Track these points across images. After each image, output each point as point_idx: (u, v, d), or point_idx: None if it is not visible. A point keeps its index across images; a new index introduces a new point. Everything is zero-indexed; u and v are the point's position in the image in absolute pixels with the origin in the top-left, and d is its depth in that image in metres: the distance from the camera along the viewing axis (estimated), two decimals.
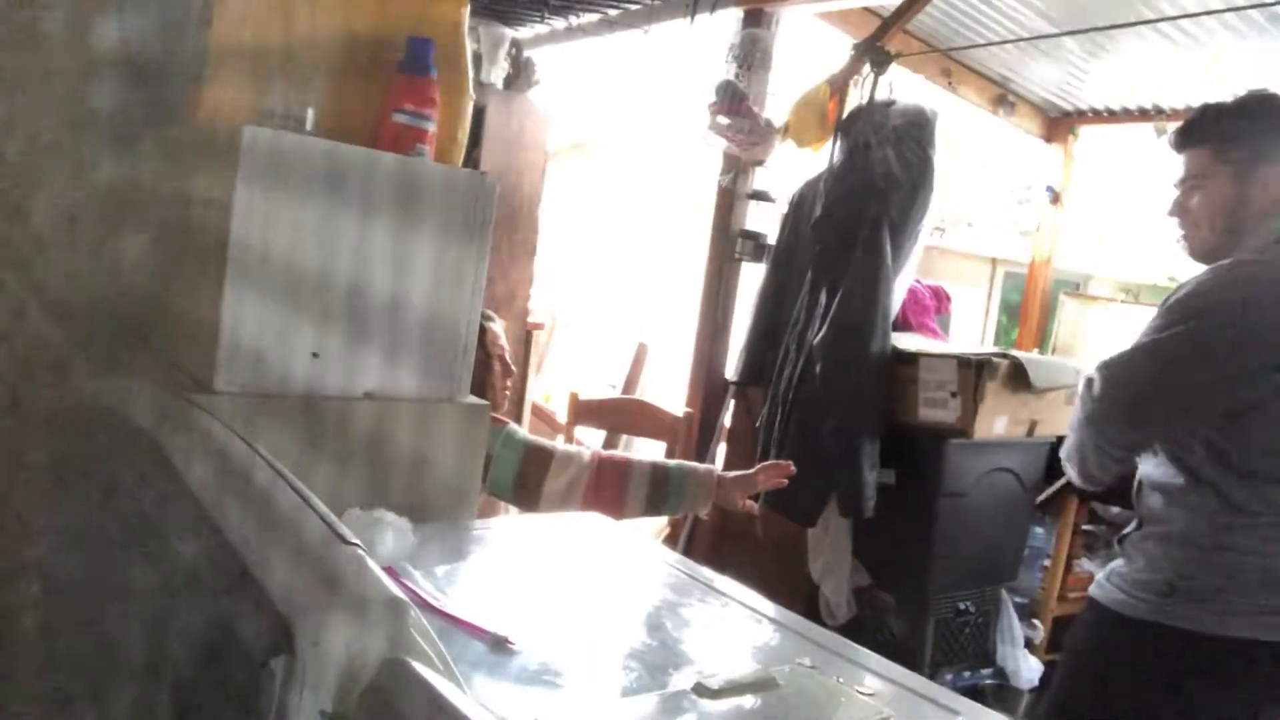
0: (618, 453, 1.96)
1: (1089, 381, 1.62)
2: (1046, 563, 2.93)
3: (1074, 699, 1.66)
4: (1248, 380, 1.50)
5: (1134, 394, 1.56)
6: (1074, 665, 1.72)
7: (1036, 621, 2.88)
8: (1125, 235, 5.78)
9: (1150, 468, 1.63)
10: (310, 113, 1.33)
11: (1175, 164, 1.69)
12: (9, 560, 1.36)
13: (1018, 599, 2.83)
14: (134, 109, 1.50)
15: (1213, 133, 1.61)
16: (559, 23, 3.61)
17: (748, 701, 0.94)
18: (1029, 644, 2.80)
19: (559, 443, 1.91)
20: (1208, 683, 1.51)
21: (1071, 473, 1.71)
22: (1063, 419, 2.66)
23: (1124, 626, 1.57)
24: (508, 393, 2.16)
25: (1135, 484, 1.68)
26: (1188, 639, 1.50)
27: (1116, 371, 1.58)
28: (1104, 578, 1.67)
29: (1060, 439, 2.64)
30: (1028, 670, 2.71)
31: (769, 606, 1.30)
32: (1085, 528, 3.11)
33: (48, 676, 1.25)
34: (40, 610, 1.31)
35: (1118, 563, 1.66)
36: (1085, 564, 3.06)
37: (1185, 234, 1.67)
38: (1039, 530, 2.93)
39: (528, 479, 1.79)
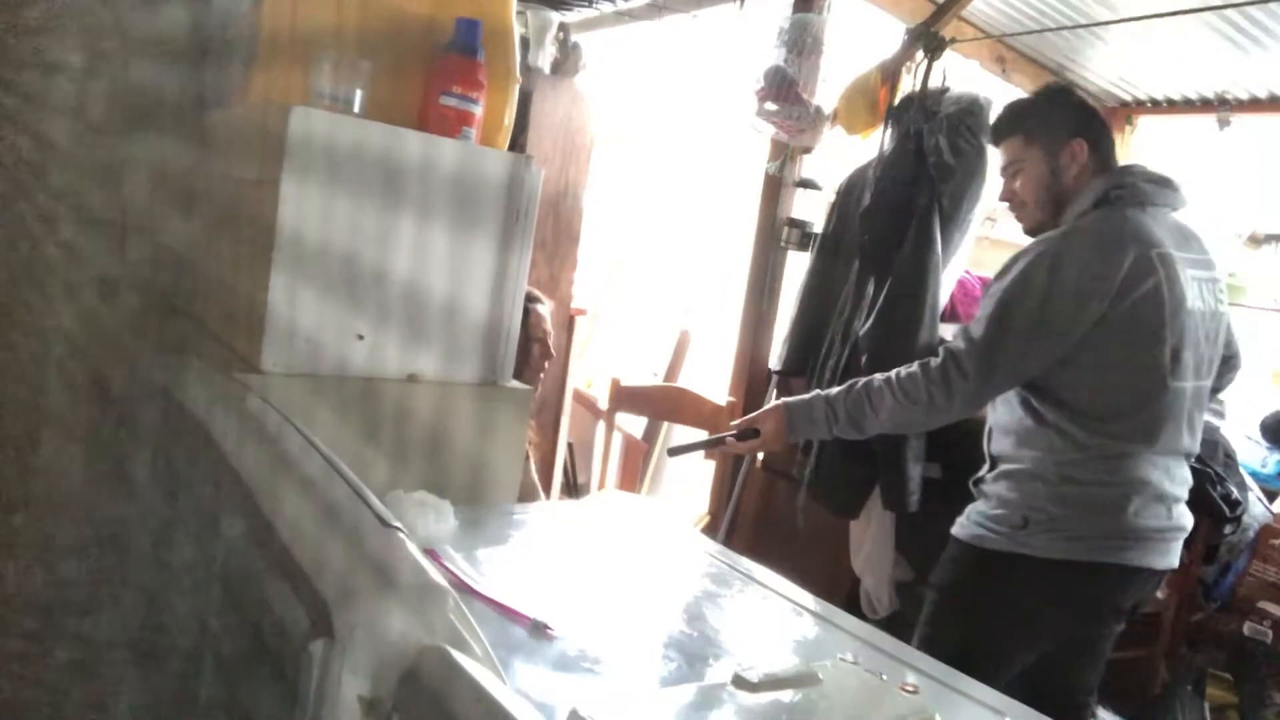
0: None
1: (955, 361, 1.69)
2: None
3: (941, 630, 1.75)
4: (1063, 335, 1.61)
5: (1000, 368, 1.68)
6: (939, 599, 1.81)
7: None
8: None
9: (1001, 415, 1.78)
10: (358, 94, 1.33)
11: (996, 156, 1.91)
12: (70, 529, 1.39)
13: None
14: (186, 91, 1.51)
15: (1019, 124, 1.82)
16: (607, 7, 3.59)
17: (787, 696, 0.92)
18: None
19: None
20: (1054, 604, 1.66)
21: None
22: None
23: (982, 558, 1.70)
24: (543, 376, 2.15)
25: (986, 431, 1.83)
26: (1039, 565, 1.63)
27: (984, 355, 1.68)
28: (964, 517, 1.78)
29: None
30: None
31: (809, 599, 1.29)
32: None
33: (93, 651, 1.27)
34: (88, 585, 1.34)
35: (977, 503, 1.77)
36: None
37: (1017, 214, 1.85)
38: None
39: None
